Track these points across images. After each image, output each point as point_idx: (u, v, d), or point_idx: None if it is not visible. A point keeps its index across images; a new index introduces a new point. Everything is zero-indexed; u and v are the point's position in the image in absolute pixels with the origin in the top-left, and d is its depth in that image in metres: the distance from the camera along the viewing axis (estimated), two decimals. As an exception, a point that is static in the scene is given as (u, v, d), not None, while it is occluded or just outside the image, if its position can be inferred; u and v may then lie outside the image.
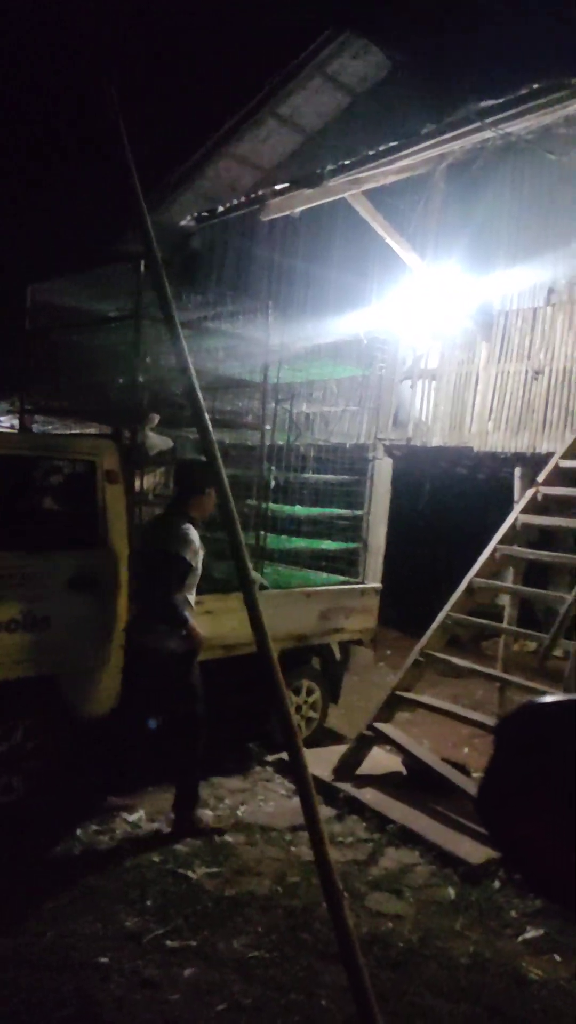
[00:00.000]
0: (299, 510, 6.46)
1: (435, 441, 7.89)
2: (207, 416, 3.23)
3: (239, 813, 4.61)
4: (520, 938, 3.61)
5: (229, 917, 3.55)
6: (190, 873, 3.89)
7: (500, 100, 4.73)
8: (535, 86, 4.62)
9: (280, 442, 6.77)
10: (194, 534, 4.32)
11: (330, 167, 5.86)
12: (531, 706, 1.08)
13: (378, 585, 6.51)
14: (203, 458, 4.68)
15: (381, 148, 5.52)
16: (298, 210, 6.44)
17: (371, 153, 5.60)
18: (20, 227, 10.04)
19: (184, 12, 11.05)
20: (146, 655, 4.39)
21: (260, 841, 4.29)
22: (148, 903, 3.59)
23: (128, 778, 4.69)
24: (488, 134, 5.06)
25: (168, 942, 3.33)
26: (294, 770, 3.23)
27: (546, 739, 1.02)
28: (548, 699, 1.06)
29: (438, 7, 8.05)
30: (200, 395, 3.29)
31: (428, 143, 5.23)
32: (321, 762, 5.01)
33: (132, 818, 4.42)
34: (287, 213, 6.48)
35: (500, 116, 4.76)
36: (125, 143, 3.03)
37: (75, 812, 4.38)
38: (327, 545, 6.49)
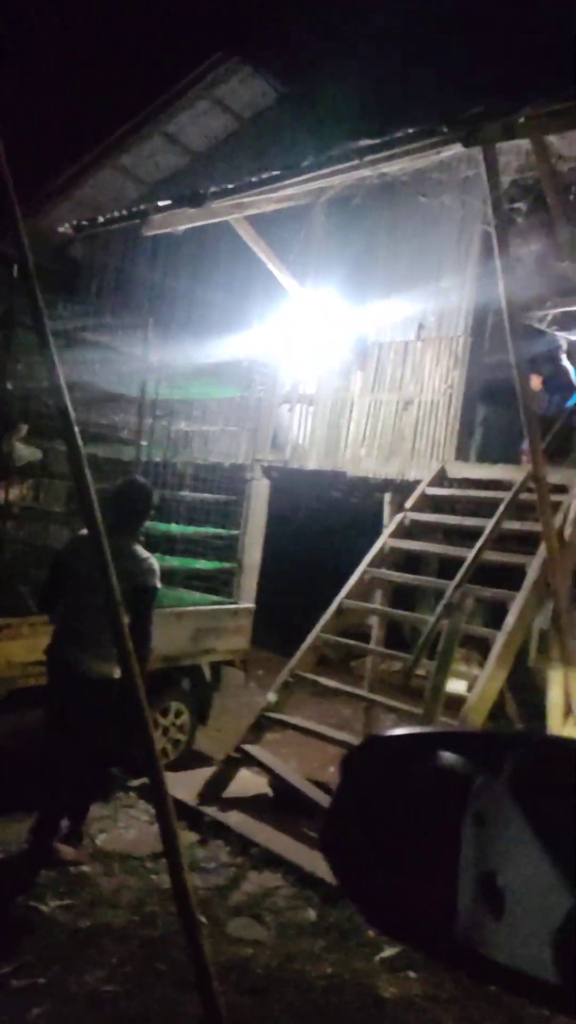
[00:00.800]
0: (174, 528, 6.38)
1: (311, 464, 8.03)
2: (76, 428, 3.14)
3: (98, 842, 4.45)
4: (377, 957, 3.66)
5: (82, 950, 3.41)
6: (42, 906, 3.70)
7: (376, 141, 4.92)
8: (410, 130, 4.84)
9: (157, 459, 6.69)
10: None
11: (213, 189, 5.89)
12: (375, 739, 1.06)
13: (251, 605, 6.52)
14: (140, 478, 4.56)
15: (264, 176, 5.61)
16: (181, 228, 6.43)
17: (254, 180, 5.67)
18: None
19: (74, 24, 10.88)
20: (74, 679, 4.06)
21: (119, 870, 4.15)
22: (-5, 941, 3.39)
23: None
24: (365, 172, 5.25)
25: (15, 981, 3.15)
26: (154, 795, 3.16)
27: (390, 773, 1.01)
28: (394, 732, 1.04)
29: (322, 44, 8.34)
30: (70, 406, 3.19)
31: (307, 176, 5.37)
32: (187, 785, 4.93)
33: (-19, 850, 4.17)
34: (169, 230, 6.46)
35: (376, 156, 4.95)
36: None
37: None
38: (202, 564, 6.44)
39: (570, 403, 7.22)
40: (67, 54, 11.02)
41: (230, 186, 5.83)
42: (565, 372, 7.19)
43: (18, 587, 4.97)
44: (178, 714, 5.65)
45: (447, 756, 1.10)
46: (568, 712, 5.32)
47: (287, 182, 5.56)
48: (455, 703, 5.12)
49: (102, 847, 4.39)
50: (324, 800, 4.62)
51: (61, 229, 7.10)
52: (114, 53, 10.68)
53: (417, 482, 6.62)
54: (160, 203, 6.25)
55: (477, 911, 0.94)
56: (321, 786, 4.86)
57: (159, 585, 4.18)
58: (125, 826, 4.63)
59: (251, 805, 4.88)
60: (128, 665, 3.16)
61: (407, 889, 1.01)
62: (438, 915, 0.98)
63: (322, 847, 1.11)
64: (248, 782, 5.16)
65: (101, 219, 6.65)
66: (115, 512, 4.18)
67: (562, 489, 5.54)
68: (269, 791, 5.02)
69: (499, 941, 0.92)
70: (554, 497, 5.28)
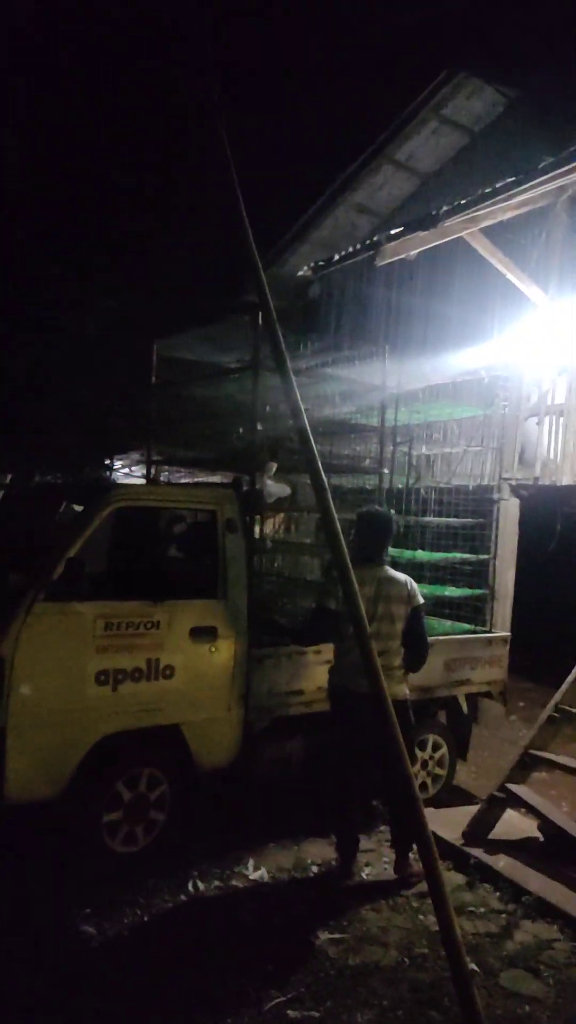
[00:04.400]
0: (420, 555, 6.28)
1: (565, 480, 7.48)
2: (319, 461, 3.21)
3: (364, 875, 4.43)
4: None
5: (353, 988, 3.38)
6: (312, 938, 3.74)
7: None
8: None
9: (399, 485, 6.65)
10: None
11: (445, 208, 5.77)
12: None
13: (507, 634, 6.19)
14: (378, 507, 4.76)
15: (498, 185, 5.38)
16: (414, 253, 6.38)
17: (487, 191, 5.47)
18: (145, 286, 10.52)
19: (294, 64, 11.40)
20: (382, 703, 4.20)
21: (385, 907, 4.09)
22: (269, 967, 3.48)
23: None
24: (612, 163, 4.83)
25: (290, 1011, 3.19)
26: (417, 840, 3.06)
27: None
28: None
29: (549, 42, 7.91)
30: (313, 440, 3.27)
31: (546, 176, 5.05)
32: (450, 824, 4.75)
33: (255, 875, 4.33)
34: (402, 256, 6.44)
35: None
36: (235, 186, 3.11)
37: (195, 865, 4.34)
38: (450, 592, 6.26)
39: None
40: (290, 94, 11.58)
41: (463, 201, 5.67)
42: None
43: (276, 618, 5.16)
44: (436, 747, 5.48)
45: None
46: None
47: (523, 187, 5.29)
48: None
49: (367, 880, 4.36)
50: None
51: (300, 273, 7.40)
52: (337, 87, 11.03)
53: None
54: (392, 232, 6.26)
55: None
56: (599, 834, 4.42)
57: None
58: (388, 861, 4.56)
59: (519, 849, 4.56)
60: (380, 696, 3.13)
61: None
62: None
63: None
64: (514, 824, 4.85)
65: (336, 257, 6.81)
66: (372, 541, 4.45)
67: None
68: (538, 835, 4.67)
69: None
70: None
